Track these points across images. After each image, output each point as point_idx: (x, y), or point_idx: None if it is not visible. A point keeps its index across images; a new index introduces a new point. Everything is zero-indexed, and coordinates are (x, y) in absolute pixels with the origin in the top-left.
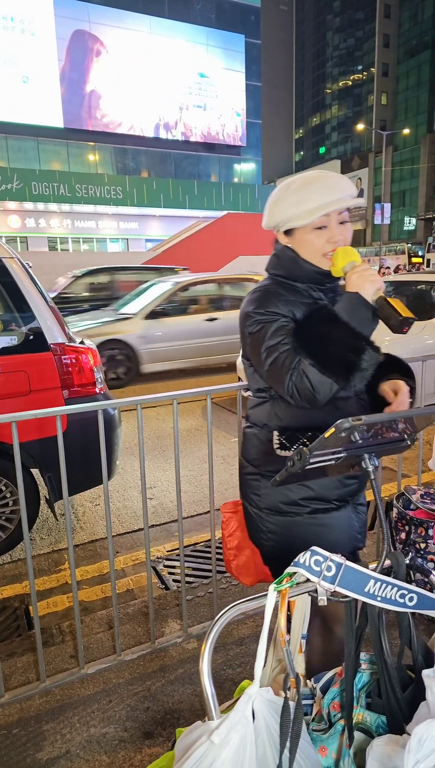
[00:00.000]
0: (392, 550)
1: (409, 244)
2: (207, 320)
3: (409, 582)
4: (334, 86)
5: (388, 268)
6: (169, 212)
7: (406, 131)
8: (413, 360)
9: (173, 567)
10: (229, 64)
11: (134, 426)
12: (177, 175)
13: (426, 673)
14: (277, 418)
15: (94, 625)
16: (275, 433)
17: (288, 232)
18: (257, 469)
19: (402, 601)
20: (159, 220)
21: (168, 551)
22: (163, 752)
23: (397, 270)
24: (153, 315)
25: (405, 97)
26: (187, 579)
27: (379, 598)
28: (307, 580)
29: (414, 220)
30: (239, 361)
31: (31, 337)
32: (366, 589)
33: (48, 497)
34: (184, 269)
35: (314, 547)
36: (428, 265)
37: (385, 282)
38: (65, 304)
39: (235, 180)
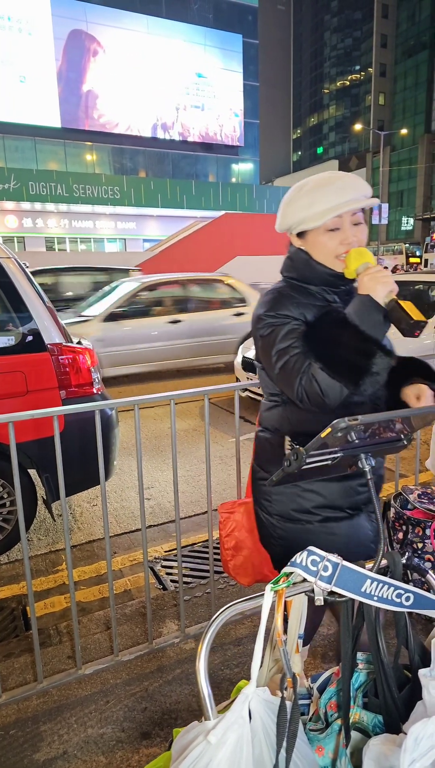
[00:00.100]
0: (389, 549)
1: (407, 244)
2: (170, 322)
3: (407, 582)
4: (331, 86)
5: (386, 268)
6: (167, 212)
7: (404, 131)
8: None
9: (171, 567)
10: (227, 65)
11: (132, 426)
12: (175, 175)
13: (422, 673)
14: (289, 422)
15: (92, 625)
16: (287, 438)
17: (301, 235)
18: (269, 474)
19: (399, 600)
20: (157, 220)
21: (166, 552)
22: (160, 752)
23: (394, 270)
24: (112, 317)
25: (403, 97)
26: (185, 579)
27: (375, 598)
28: (304, 579)
29: (411, 221)
30: (237, 361)
31: (29, 337)
32: (363, 589)
33: (45, 498)
34: (137, 270)
35: (311, 547)
36: (426, 265)
37: None
38: None
39: (233, 180)
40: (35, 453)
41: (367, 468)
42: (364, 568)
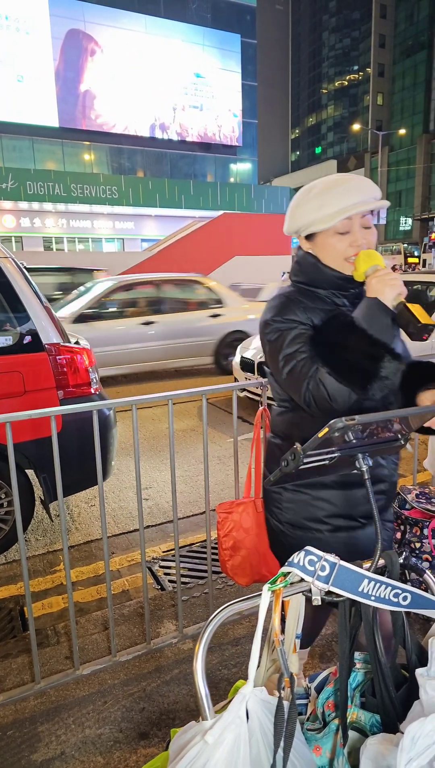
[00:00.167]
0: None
1: (405, 245)
2: (142, 324)
3: (405, 582)
4: (330, 86)
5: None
6: (165, 212)
7: (402, 131)
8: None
9: (169, 568)
10: (225, 65)
11: (130, 426)
12: (173, 175)
13: (419, 672)
14: (299, 428)
15: (90, 626)
16: (297, 444)
17: (310, 237)
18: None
19: (396, 600)
20: (155, 219)
21: (164, 552)
22: (158, 753)
23: (393, 270)
24: (82, 319)
25: (401, 97)
26: (183, 579)
27: (373, 598)
28: (302, 579)
29: (410, 221)
30: (236, 361)
31: (26, 337)
32: (360, 589)
33: (43, 498)
34: (101, 270)
35: (308, 547)
36: (424, 266)
37: None
38: None
39: (232, 180)
40: (33, 453)
41: (364, 468)
42: (361, 567)
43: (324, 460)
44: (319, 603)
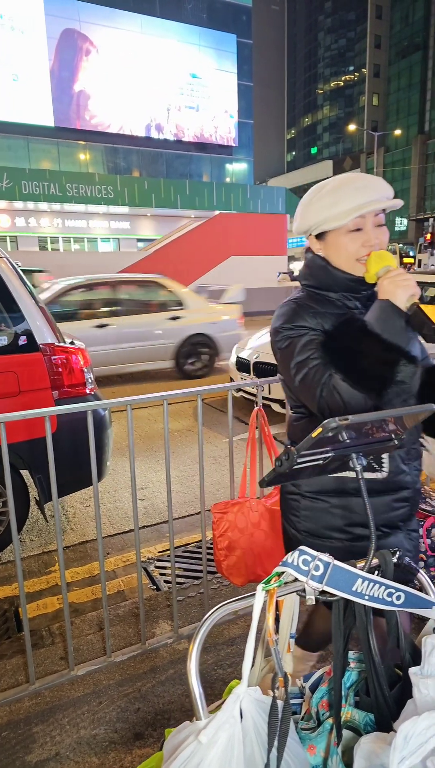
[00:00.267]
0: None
1: (401, 245)
2: (95, 327)
3: (405, 582)
4: (325, 87)
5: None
6: (161, 212)
7: (398, 132)
8: None
9: (164, 568)
10: (221, 65)
11: (125, 427)
12: (168, 175)
13: (413, 671)
14: None
15: (85, 626)
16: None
17: (320, 236)
18: (298, 489)
19: (390, 599)
20: (151, 219)
21: (159, 552)
22: (153, 753)
23: None
24: None
25: (396, 98)
26: (178, 580)
27: (366, 597)
28: (296, 579)
29: (405, 221)
30: (231, 361)
31: (21, 337)
32: (354, 588)
33: (38, 499)
34: (42, 271)
35: (302, 547)
36: (419, 266)
37: None
38: None
39: (227, 180)
40: (27, 454)
41: (358, 468)
42: (355, 567)
43: (318, 460)
44: (314, 602)
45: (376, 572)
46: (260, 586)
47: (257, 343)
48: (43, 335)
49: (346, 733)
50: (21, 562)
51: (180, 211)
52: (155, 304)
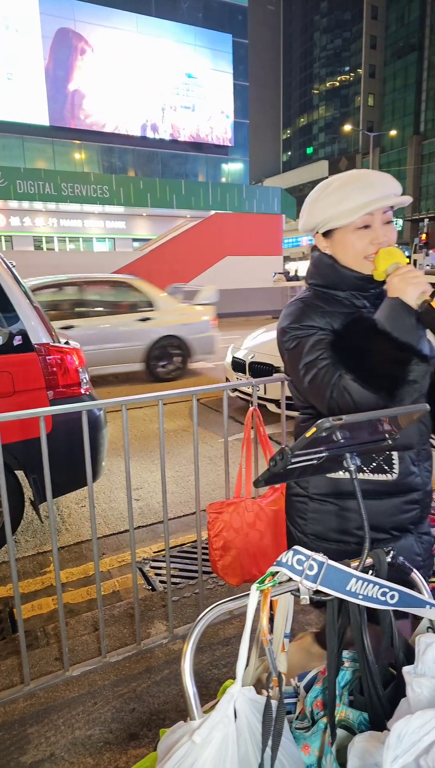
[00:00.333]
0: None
1: (396, 245)
2: (62, 328)
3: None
4: (321, 87)
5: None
6: (157, 212)
7: (393, 133)
8: None
9: (160, 568)
10: (217, 65)
11: (121, 427)
12: (164, 175)
13: (407, 670)
14: None
15: (80, 627)
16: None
17: (327, 234)
18: (305, 491)
19: (383, 599)
20: (146, 219)
21: (154, 552)
22: (148, 753)
23: None
24: None
25: (392, 98)
26: (174, 580)
27: (360, 596)
28: (290, 579)
29: (401, 221)
30: (227, 361)
31: (16, 337)
32: (348, 588)
33: (33, 499)
34: None
35: (296, 546)
36: (414, 266)
37: None
38: None
39: (223, 180)
40: (22, 454)
41: (352, 467)
42: (349, 566)
43: (312, 459)
44: (308, 602)
45: (371, 572)
46: (254, 586)
47: (253, 343)
48: (38, 335)
49: (341, 732)
50: (16, 563)
51: (175, 211)
52: (125, 305)
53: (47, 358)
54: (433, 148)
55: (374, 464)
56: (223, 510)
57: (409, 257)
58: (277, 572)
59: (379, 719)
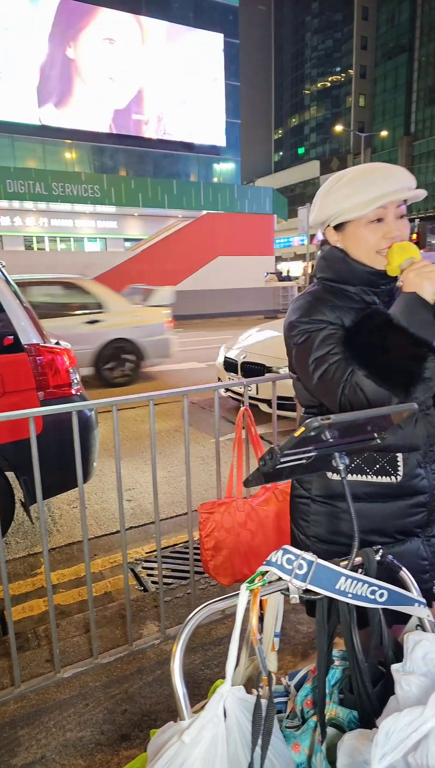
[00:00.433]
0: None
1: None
2: None
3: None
4: (312, 87)
5: None
6: (148, 211)
7: (384, 133)
8: None
9: (152, 569)
10: (208, 64)
11: (112, 427)
12: (156, 174)
13: (395, 668)
14: None
15: (71, 628)
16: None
17: (339, 228)
18: (308, 493)
19: (373, 597)
20: (138, 219)
21: (147, 553)
22: (140, 754)
23: None
24: None
25: (382, 99)
26: (166, 580)
27: (350, 595)
28: (280, 578)
29: None
30: (219, 361)
31: (6, 337)
32: (337, 587)
33: (23, 500)
34: None
35: (286, 546)
36: None
37: None
38: None
39: (215, 180)
40: (12, 455)
41: (341, 467)
42: (338, 565)
43: (301, 459)
44: (297, 601)
45: (360, 570)
46: (244, 586)
47: (245, 343)
48: (28, 336)
49: (331, 731)
50: (6, 565)
51: (167, 211)
52: (72, 306)
53: (37, 358)
54: (424, 148)
55: (377, 466)
56: (214, 510)
57: None
58: (267, 571)
59: (368, 717)
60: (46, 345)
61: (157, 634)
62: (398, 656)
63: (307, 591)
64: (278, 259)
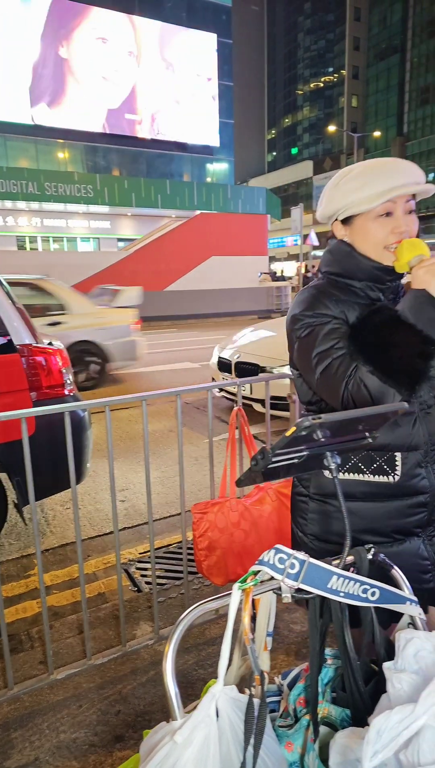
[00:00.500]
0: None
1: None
2: None
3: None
4: (305, 88)
5: None
6: (142, 211)
7: (377, 134)
8: None
9: (145, 569)
10: (201, 64)
11: (106, 428)
12: (149, 174)
13: (387, 666)
14: None
15: (64, 630)
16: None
17: (346, 222)
18: (307, 491)
19: (365, 596)
20: (131, 219)
21: (140, 553)
22: (133, 755)
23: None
24: None
25: (375, 99)
26: (159, 581)
27: (342, 594)
28: (272, 578)
29: None
30: (213, 361)
31: None
32: (329, 585)
33: (16, 502)
34: None
35: (278, 545)
36: None
37: None
38: None
39: (208, 180)
40: (5, 456)
41: (332, 466)
42: (330, 564)
43: (293, 458)
44: (289, 600)
45: (351, 569)
46: (236, 585)
47: (239, 343)
48: (21, 336)
49: (323, 729)
50: None
51: (160, 211)
52: (33, 309)
53: (30, 359)
54: (416, 149)
55: (374, 465)
56: (208, 510)
57: None
58: (259, 571)
59: (361, 715)
60: (39, 345)
61: (151, 634)
62: (390, 654)
63: (299, 590)
64: (272, 259)
